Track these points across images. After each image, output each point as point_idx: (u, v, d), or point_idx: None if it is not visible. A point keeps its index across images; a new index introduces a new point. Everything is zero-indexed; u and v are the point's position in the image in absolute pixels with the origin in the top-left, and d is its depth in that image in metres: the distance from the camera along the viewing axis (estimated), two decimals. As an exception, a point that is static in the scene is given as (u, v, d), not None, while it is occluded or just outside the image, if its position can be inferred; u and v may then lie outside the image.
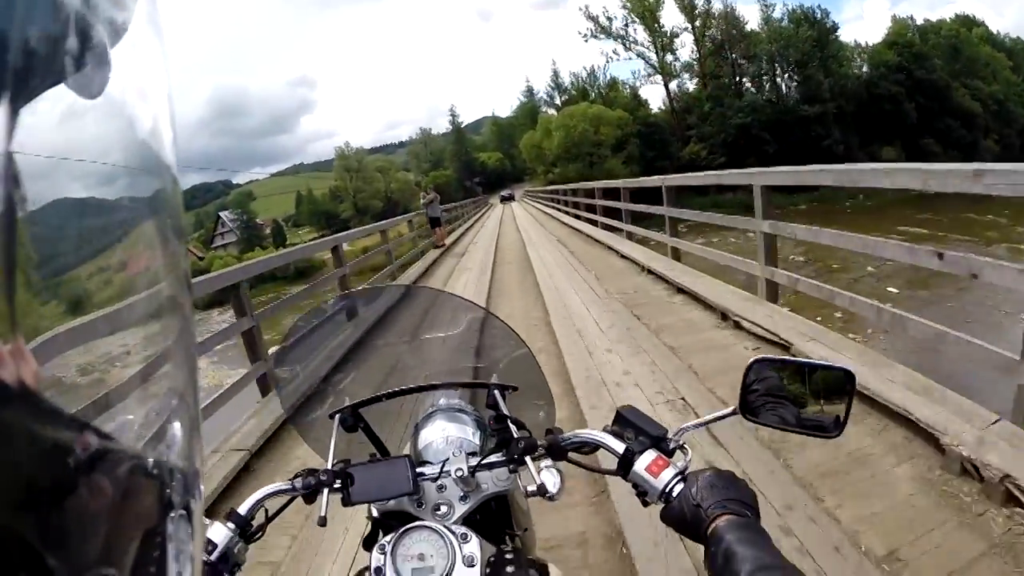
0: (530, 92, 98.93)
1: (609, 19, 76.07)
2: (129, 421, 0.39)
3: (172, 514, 0.39)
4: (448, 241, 21.20)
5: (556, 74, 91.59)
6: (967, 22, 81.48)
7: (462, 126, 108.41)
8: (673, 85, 73.99)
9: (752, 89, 71.59)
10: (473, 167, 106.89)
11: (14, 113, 0.28)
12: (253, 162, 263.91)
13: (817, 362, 1.22)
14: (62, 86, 0.33)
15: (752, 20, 74.69)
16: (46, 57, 0.31)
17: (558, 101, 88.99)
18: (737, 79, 72.93)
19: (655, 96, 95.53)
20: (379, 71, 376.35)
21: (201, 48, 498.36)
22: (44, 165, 0.31)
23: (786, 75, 71.07)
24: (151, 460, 0.39)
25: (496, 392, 1.38)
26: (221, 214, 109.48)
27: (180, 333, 0.43)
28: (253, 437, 4.88)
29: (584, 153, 63.28)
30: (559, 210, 28.58)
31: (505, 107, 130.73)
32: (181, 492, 0.40)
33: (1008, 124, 74.85)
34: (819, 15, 71.54)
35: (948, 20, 78.47)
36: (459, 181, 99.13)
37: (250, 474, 4.55)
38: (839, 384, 1.18)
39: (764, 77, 72.75)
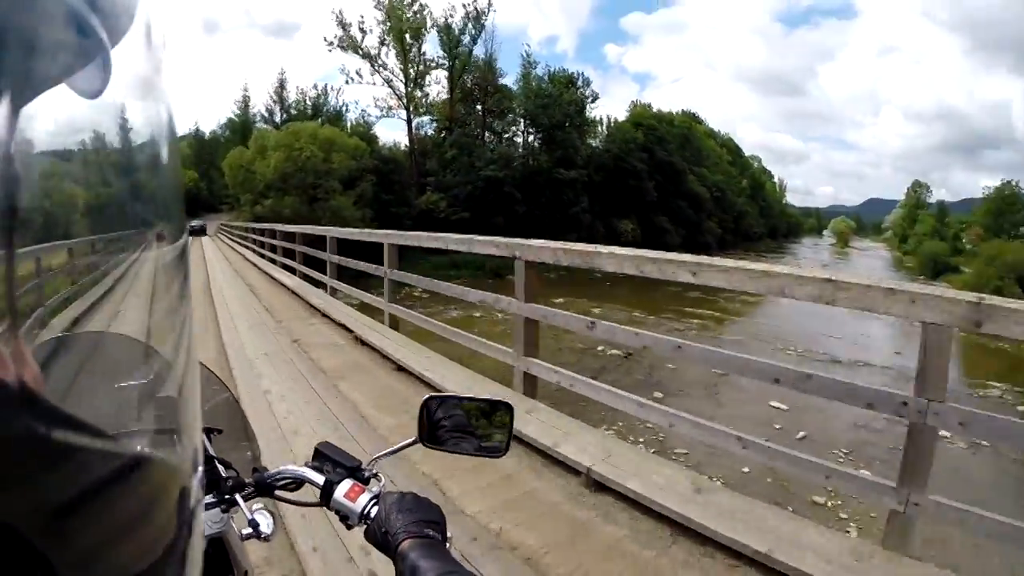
0: (245, 105, 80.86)
1: (363, 31, 63.37)
2: (127, 419, 0.38)
3: (190, 516, 0.39)
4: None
5: (282, 84, 75.10)
6: (692, 117, 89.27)
7: None
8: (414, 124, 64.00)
9: (500, 144, 64.38)
10: None
11: (14, 113, 0.27)
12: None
13: (481, 397, 1.35)
14: (62, 86, 0.32)
15: (508, 76, 68.78)
16: (46, 57, 0.31)
17: (279, 118, 71.30)
18: (485, 131, 64.93)
19: (385, 135, 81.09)
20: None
21: None
22: (44, 165, 0.31)
23: (539, 136, 64.74)
24: (150, 459, 0.38)
25: (203, 435, 1.22)
26: None
27: (179, 326, 0.43)
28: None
29: (308, 185, 48.59)
30: (258, 253, 24.80)
31: (212, 125, 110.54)
32: (197, 494, 0.40)
33: (725, 210, 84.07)
34: (580, 82, 68.98)
35: (676, 113, 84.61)
36: None
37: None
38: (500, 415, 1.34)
39: (516, 134, 66.60)
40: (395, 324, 8.63)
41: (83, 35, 0.33)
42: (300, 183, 48.51)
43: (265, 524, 1.14)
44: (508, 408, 1.32)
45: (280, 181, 48.96)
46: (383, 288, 8.89)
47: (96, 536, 0.31)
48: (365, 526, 1.09)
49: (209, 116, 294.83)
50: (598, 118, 72.51)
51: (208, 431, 1.34)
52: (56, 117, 0.33)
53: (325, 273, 12.73)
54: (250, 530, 1.14)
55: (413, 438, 1.28)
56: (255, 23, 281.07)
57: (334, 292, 12.10)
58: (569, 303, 22.97)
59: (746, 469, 7.10)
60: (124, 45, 0.36)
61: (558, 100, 63.42)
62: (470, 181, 55.24)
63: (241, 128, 75.39)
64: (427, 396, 1.30)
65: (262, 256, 22.86)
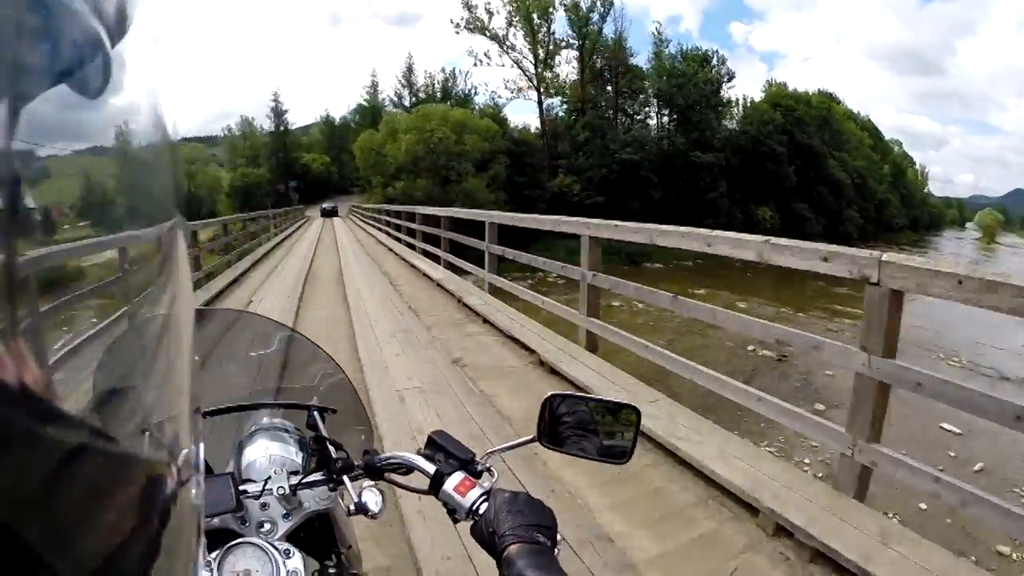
0: (374, 90, 79.97)
1: (490, 12, 61.31)
2: (127, 418, 0.39)
3: (192, 516, 0.39)
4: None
5: (410, 69, 73.19)
6: (829, 97, 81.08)
7: (292, 126, 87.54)
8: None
9: (632, 126, 60.80)
10: (293, 169, 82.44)
11: (14, 113, 0.27)
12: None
13: (606, 399, 1.32)
14: (62, 86, 0.32)
15: (637, 56, 65.13)
16: (46, 57, 0.31)
17: (408, 102, 69.54)
18: (617, 113, 61.34)
19: (515, 118, 78.56)
20: (216, 56, 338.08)
21: None
22: (44, 165, 0.31)
23: (673, 117, 60.75)
24: (151, 459, 0.38)
25: (316, 414, 1.36)
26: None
27: (178, 325, 0.43)
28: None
29: (440, 167, 46.46)
30: (394, 237, 22.69)
31: (342, 111, 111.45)
32: (199, 494, 0.39)
33: (865, 199, 75.77)
34: (714, 60, 64.43)
35: (812, 94, 76.65)
36: (273, 184, 78.69)
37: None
38: (626, 418, 1.28)
39: (648, 115, 62.72)
40: (593, 345, 6.51)
41: (83, 35, 0.33)
42: (432, 165, 46.70)
43: (373, 503, 1.15)
44: (634, 411, 1.25)
45: (411, 163, 47.21)
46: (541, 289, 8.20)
47: (95, 536, 0.31)
48: (472, 522, 1.06)
49: (338, 102, 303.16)
50: (732, 99, 67.09)
51: (321, 411, 1.37)
52: (56, 117, 0.32)
53: (472, 263, 11.47)
54: (357, 505, 1.14)
55: (531, 436, 1.24)
56: (377, 14, 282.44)
57: (495, 291, 9.97)
58: (711, 295, 21.76)
59: (923, 506, 6.02)
60: (124, 45, 0.36)
61: (692, 79, 59.30)
62: (604, 164, 52.37)
63: (371, 113, 74.75)
64: (550, 393, 1.26)
65: (398, 240, 20.92)
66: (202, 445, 1.03)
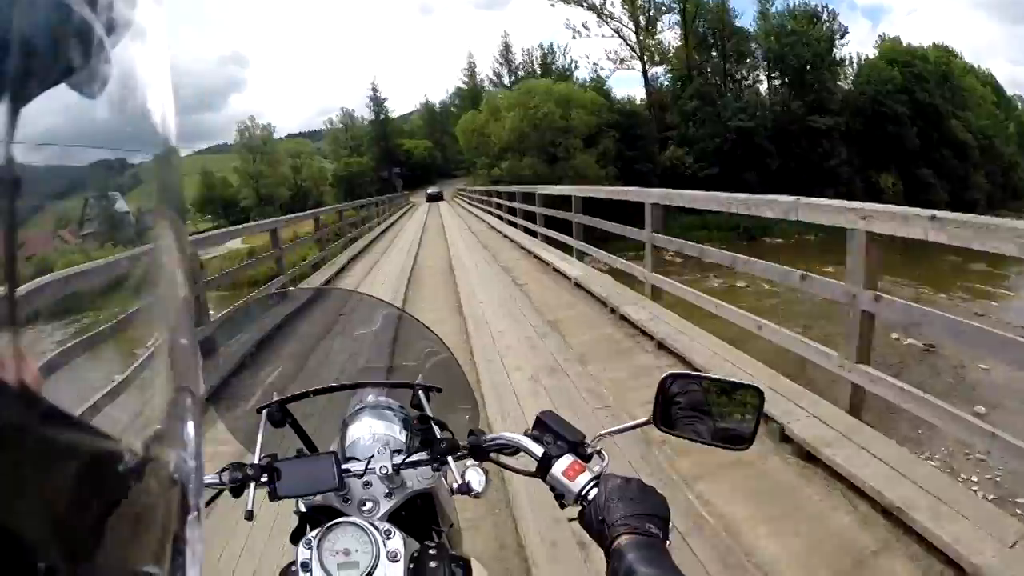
0: (472, 72, 78.26)
1: None
2: (127, 419, 0.38)
3: (189, 516, 0.39)
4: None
5: (507, 47, 71.32)
6: (947, 52, 70.16)
7: (391, 114, 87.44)
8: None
9: (741, 92, 56.64)
10: (395, 156, 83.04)
11: (14, 113, 0.27)
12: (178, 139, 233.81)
13: (728, 379, 1.23)
14: (62, 86, 0.32)
15: (743, 17, 61.81)
16: (46, 57, 0.31)
17: (507, 81, 67.70)
18: (726, 78, 57.29)
19: (618, 91, 75.68)
20: (315, 55, 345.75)
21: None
22: (45, 165, 0.31)
23: (785, 80, 56.14)
24: (150, 459, 0.37)
25: (420, 392, 1.39)
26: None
27: (180, 324, 0.43)
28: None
29: (546, 143, 44.72)
30: (508, 222, 20.68)
31: (441, 97, 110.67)
32: (196, 493, 0.40)
33: (992, 160, 63.97)
34: (825, 16, 57.56)
35: (927, 48, 66.92)
36: (376, 172, 78.50)
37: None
38: (746, 400, 1.21)
39: (758, 79, 58.46)
40: (858, 406, 4.29)
41: (83, 35, 0.32)
42: (538, 143, 44.69)
43: (477, 482, 1.12)
44: (757, 392, 1.17)
45: (516, 142, 45.38)
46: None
47: (96, 537, 0.31)
48: (580, 508, 1.03)
49: (436, 89, 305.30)
50: (844, 57, 60.45)
51: (426, 390, 1.38)
52: (56, 117, 0.32)
53: (601, 254, 10.27)
54: (460, 485, 1.12)
55: (644, 418, 1.19)
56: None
57: (656, 294, 7.53)
58: (840, 273, 18.62)
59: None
60: (124, 45, 0.36)
61: (804, 38, 54.16)
62: (716, 134, 49.27)
63: (470, 95, 73.27)
64: (667, 373, 1.21)
65: (513, 225, 18.91)
66: (421, 402, 1.35)
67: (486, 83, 73.24)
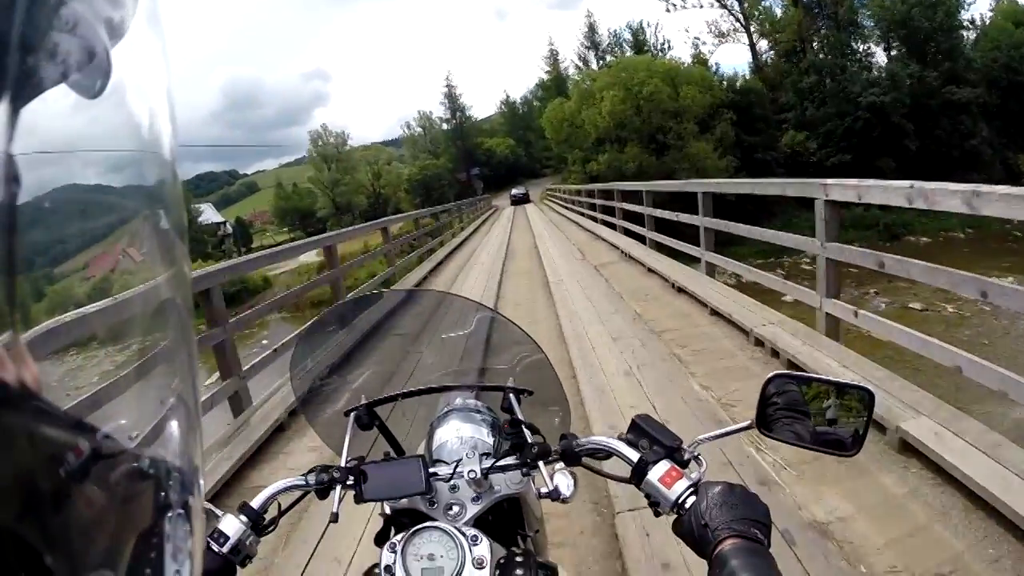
0: (554, 60, 70.66)
1: None
2: (126, 420, 0.39)
3: (170, 514, 0.38)
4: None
5: (592, 28, 63.05)
6: None
7: (471, 117, 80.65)
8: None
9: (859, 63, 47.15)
10: (475, 156, 75.39)
11: (14, 113, 0.27)
12: (265, 153, 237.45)
13: (836, 380, 1.15)
14: (62, 86, 0.32)
15: None
16: (46, 57, 0.30)
17: (595, 66, 59.15)
18: (844, 49, 47.41)
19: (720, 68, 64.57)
20: (394, 66, 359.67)
21: (217, 39, 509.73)
22: (44, 166, 0.31)
23: (908, 49, 45.63)
24: (148, 459, 0.38)
25: (511, 396, 1.34)
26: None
27: (179, 328, 0.42)
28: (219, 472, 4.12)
29: (653, 128, 37.29)
30: (627, 232, 14.51)
31: (522, 92, 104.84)
32: (179, 490, 0.40)
33: None
34: None
35: None
36: (454, 173, 72.04)
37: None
38: (855, 402, 1.13)
39: (871, 50, 48.77)
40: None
41: (83, 35, 0.32)
42: (642, 128, 37.13)
43: (565, 486, 1.11)
44: (867, 394, 1.09)
45: (616, 129, 37.76)
46: None
47: (92, 537, 0.31)
48: (676, 516, 1.00)
49: (517, 89, 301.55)
50: (971, 20, 49.60)
51: (517, 392, 1.35)
52: (56, 117, 0.32)
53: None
54: (549, 490, 1.09)
55: (746, 422, 1.13)
56: (539, 1, 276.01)
57: (832, 326, 5.30)
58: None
59: None
60: (124, 44, 0.36)
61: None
62: (843, 112, 40.86)
63: (554, 84, 65.99)
64: (772, 373, 1.14)
65: (628, 234, 14.10)
66: (512, 405, 1.30)
67: (571, 70, 65.82)
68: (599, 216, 18.96)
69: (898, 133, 40.27)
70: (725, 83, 42.15)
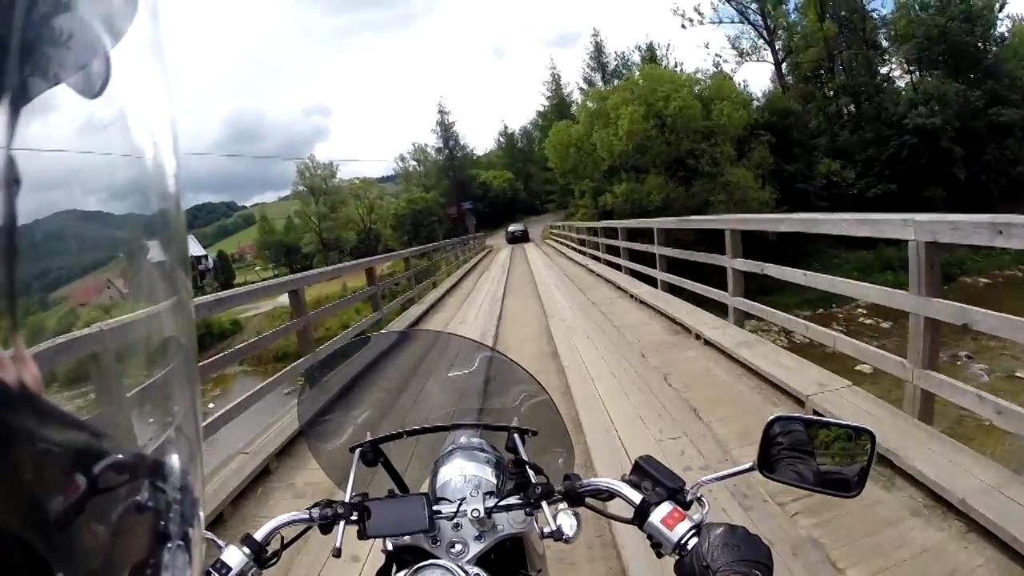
0: (556, 85, 64.59)
1: None
2: (126, 451, 0.39)
3: (169, 544, 0.38)
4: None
5: (598, 48, 57.19)
6: None
7: (469, 150, 74.28)
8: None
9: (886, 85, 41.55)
10: (468, 189, 67.78)
11: (15, 113, 0.27)
12: (265, 186, 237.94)
13: (837, 421, 1.17)
14: (62, 86, 0.32)
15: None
16: (46, 57, 0.30)
17: (602, 89, 51.40)
18: (872, 68, 41.93)
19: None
20: (394, 103, 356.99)
21: (220, 71, 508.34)
22: (45, 168, 0.30)
23: (940, 68, 40.13)
24: (149, 490, 0.38)
25: (516, 435, 1.34)
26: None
27: (181, 354, 0.42)
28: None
29: (683, 151, 31.04)
30: (673, 288, 10.63)
31: (521, 122, 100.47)
32: (179, 522, 0.39)
33: None
34: None
35: None
36: (446, 209, 65.23)
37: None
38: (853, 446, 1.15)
39: (895, 69, 43.47)
40: None
41: (83, 35, 0.32)
42: (668, 152, 30.98)
43: (568, 526, 1.10)
44: (868, 436, 1.11)
45: (635, 154, 31.42)
46: None
47: (95, 537, 0.31)
48: (678, 557, 1.00)
49: (516, 121, 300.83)
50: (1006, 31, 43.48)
51: (521, 432, 1.33)
52: (56, 117, 0.32)
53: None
54: (552, 531, 1.09)
55: (748, 464, 1.13)
56: (539, 38, 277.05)
57: (925, 409, 4.15)
58: None
59: None
60: (124, 45, 0.35)
61: (959, 11, 38.16)
62: (884, 138, 35.15)
63: (557, 111, 59.49)
64: (774, 415, 1.15)
65: (670, 290, 10.48)
66: (516, 446, 1.27)
67: (575, 95, 59.67)
68: (624, 263, 14.03)
69: (946, 159, 34.59)
70: (756, 102, 36.43)
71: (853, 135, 37.14)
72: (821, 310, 20.50)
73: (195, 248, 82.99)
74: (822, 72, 42.76)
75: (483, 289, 17.06)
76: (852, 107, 39.55)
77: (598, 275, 15.58)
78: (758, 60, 46.31)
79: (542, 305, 11.98)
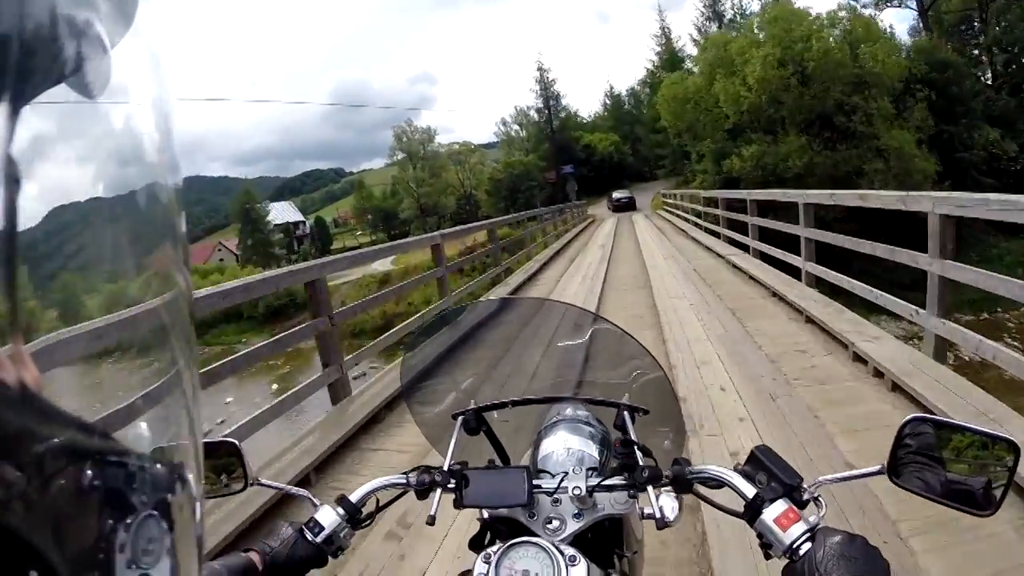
0: (666, 39, 59.18)
1: None
2: (136, 421, 0.39)
3: (129, 519, 0.36)
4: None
5: None
6: None
7: (572, 111, 69.36)
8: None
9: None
10: (572, 152, 60.49)
11: (14, 113, 0.27)
12: (372, 153, 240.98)
13: (978, 428, 1.01)
14: (62, 86, 0.31)
15: None
16: (46, 57, 0.30)
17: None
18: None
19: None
20: (498, 69, 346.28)
21: (327, 44, 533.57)
22: (45, 167, 0.31)
23: None
24: (116, 460, 0.36)
25: (626, 413, 1.24)
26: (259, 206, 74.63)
27: (173, 331, 0.41)
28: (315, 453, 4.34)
29: (829, 106, 26.15)
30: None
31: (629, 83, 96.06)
32: (150, 491, 0.37)
33: None
34: None
35: None
36: (544, 172, 60.26)
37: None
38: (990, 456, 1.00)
39: None
40: None
41: (83, 35, 0.32)
42: (811, 105, 26.12)
43: (670, 509, 1.03)
44: (1012, 447, 0.95)
45: (768, 107, 26.65)
46: None
47: (94, 537, 0.31)
48: (788, 561, 0.92)
49: (623, 80, 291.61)
50: None
51: (632, 410, 1.25)
52: (56, 117, 0.32)
53: None
54: (651, 512, 1.04)
55: (876, 467, 1.03)
56: (643, 3, 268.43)
57: None
58: None
59: None
60: (124, 45, 0.35)
61: None
62: None
63: (668, 66, 53.92)
64: (910, 416, 1.03)
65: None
66: (626, 425, 1.19)
67: (688, 48, 54.74)
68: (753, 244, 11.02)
69: None
70: (911, 53, 30.79)
71: (1016, 98, 31.26)
72: (985, 315, 17.26)
73: (293, 214, 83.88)
74: (974, 23, 36.55)
75: (577, 276, 12.78)
76: (1011, 66, 33.68)
77: (743, 271, 10.32)
78: (900, 5, 39.71)
79: (661, 333, 7.01)
